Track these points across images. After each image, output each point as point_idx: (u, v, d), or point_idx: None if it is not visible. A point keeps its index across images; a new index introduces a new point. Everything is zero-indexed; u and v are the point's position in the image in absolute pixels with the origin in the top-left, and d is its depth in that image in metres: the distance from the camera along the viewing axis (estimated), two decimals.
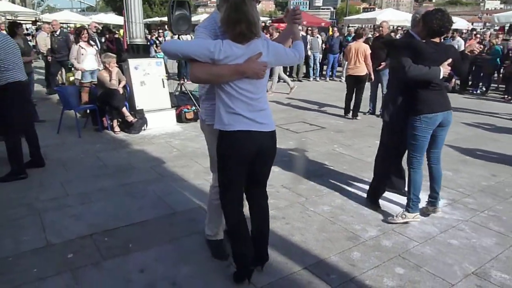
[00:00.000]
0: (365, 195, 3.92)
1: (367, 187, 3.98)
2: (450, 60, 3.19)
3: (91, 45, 7.50)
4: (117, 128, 6.16)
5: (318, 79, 13.07)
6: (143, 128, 6.23)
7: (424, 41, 3.27)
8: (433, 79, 3.17)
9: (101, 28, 11.46)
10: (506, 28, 16.04)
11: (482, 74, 11.36)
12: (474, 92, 11.36)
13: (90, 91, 6.71)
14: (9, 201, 3.71)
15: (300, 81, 12.66)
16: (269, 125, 2.36)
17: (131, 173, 4.50)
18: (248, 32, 2.18)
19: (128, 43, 7.03)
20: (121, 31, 12.06)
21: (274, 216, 3.38)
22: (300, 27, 11.99)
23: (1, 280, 2.55)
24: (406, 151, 3.51)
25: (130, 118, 6.04)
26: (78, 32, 7.30)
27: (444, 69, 3.15)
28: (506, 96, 10.44)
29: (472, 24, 27.38)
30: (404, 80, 3.23)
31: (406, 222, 3.41)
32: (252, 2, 2.21)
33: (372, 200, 3.79)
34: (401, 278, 2.66)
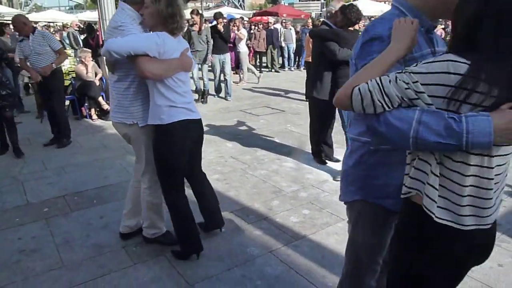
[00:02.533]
0: (301, 161, 4.69)
1: (305, 155, 4.82)
2: None
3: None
4: (94, 116, 6.84)
5: (292, 68, 13.75)
6: None
7: (342, 29, 4.06)
8: None
9: (82, 26, 12.07)
10: None
11: None
12: None
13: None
14: None
15: (277, 72, 13.33)
16: (199, 113, 2.59)
17: (103, 151, 5.21)
18: (180, 27, 2.33)
19: (103, 39, 7.65)
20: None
21: (217, 178, 4.12)
22: (272, 20, 12.48)
23: None
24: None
25: (105, 106, 6.72)
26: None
27: None
28: None
29: None
30: (333, 62, 4.03)
31: None
32: None
33: (317, 160, 4.65)
34: (305, 216, 3.40)
